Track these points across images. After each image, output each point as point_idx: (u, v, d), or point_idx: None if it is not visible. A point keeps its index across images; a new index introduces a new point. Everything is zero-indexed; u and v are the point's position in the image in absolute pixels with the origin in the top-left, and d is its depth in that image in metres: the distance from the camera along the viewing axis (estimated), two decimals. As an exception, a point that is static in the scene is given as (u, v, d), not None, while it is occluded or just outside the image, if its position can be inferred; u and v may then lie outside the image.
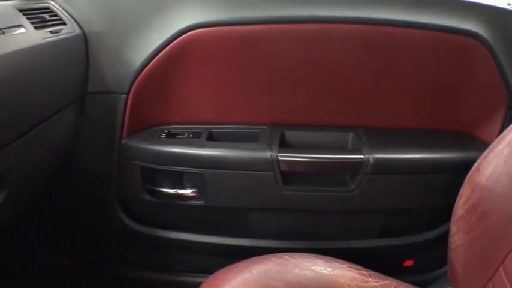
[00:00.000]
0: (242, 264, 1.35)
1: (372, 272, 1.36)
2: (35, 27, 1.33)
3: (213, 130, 1.66)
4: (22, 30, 1.29)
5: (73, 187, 1.71)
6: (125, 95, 1.56)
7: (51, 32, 1.39)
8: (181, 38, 1.52)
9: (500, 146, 1.28)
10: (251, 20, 1.53)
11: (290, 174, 1.60)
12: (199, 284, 1.25)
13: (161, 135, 1.62)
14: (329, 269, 1.35)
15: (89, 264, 1.87)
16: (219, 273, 1.31)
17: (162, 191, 1.64)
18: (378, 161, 1.59)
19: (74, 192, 1.72)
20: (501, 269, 1.23)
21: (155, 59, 1.54)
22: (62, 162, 1.61)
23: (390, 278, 1.37)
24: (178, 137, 1.64)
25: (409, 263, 1.80)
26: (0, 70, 1.15)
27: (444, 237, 1.35)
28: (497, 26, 1.64)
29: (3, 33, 1.20)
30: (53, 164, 1.57)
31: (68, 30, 1.47)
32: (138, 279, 1.86)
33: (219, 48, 1.56)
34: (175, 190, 1.63)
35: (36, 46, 1.30)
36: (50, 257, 1.86)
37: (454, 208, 1.32)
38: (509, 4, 1.88)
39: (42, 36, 1.34)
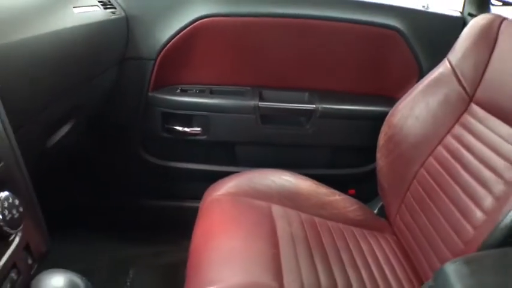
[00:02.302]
0: (232, 176, 1.78)
1: (325, 186, 1.82)
2: (104, 8, 1.76)
3: (214, 88, 2.12)
4: (97, 8, 1.71)
5: (106, 130, 2.10)
6: (152, 61, 2.00)
7: (112, 12, 1.81)
8: (196, 23, 1.98)
9: (408, 98, 1.74)
10: (244, 13, 2.02)
11: (266, 117, 2.10)
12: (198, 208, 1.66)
13: (177, 90, 2.08)
14: (293, 179, 1.80)
15: (112, 195, 2.25)
16: (216, 183, 1.77)
17: (177, 129, 2.09)
18: (325, 109, 2.11)
19: (106, 134, 2.12)
20: (415, 181, 1.66)
21: (176, 37, 1.98)
22: (103, 108, 1.99)
23: (338, 192, 1.82)
24: (189, 91, 2.10)
25: (352, 191, 2.20)
26: (88, 33, 1.57)
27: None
28: (411, 22, 2.15)
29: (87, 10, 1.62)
30: (100, 107, 1.97)
31: (118, 12, 1.88)
32: (154, 207, 2.27)
33: (221, 32, 2.03)
34: (186, 128, 2.10)
35: (106, 21, 1.73)
36: (78, 188, 2.25)
37: (378, 140, 1.78)
38: (423, 6, 2.26)
39: (108, 14, 1.76)
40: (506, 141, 1.41)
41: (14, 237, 0.95)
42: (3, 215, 0.88)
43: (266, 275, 1.33)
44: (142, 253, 2.15)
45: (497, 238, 1.24)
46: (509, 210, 1.21)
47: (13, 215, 0.91)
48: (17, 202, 0.93)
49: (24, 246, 0.98)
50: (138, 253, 2.14)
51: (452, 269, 1.03)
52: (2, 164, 0.93)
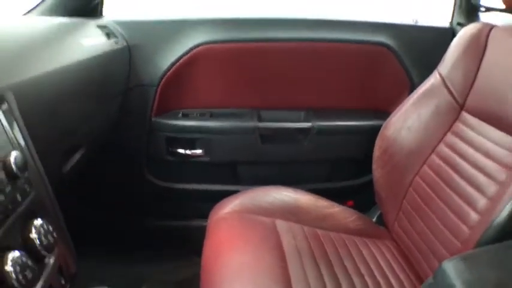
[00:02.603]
0: (236, 195, 1.86)
1: (324, 199, 1.90)
2: (107, 38, 1.84)
3: (214, 111, 2.21)
4: (102, 39, 1.80)
5: (113, 155, 2.17)
6: (154, 87, 2.09)
7: (115, 42, 1.89)
8: (194, 50, 2.06)
9: (400, 111, 1.82)
10: (239, 39, 2.12)
11: (265, 137, 2.20)
12: (205, 227, 1.69)
13: (179, 115, 2.17)
14: (293, 194, 1.88)
15: (119, 217, 2.32)
16: (221, 202, 1.84)
17: (181, 152, 2.18)
18: (321, 126, 2.23)
19: (114, 159, 2.19)
20: (411, 189, 1.74)
21: (176, 64, 2.07)
22: (110, 134, 2.04)
23: (337, 204, 1.90)
24: (190, 115, 2.19)
25: (350, 203, 2.29)
26: (97, 65, 1.67)
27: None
28: (401, 37, 2.24)
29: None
30: (107, 134, 2.04)
31: (120, 42, 1.96)
32: (161, 227, 2.34)
33: (218, 58, 2.12)
34: (189, 151, 2.19)
35: (111, 51, 1.81)
36: (87, 211, 2.31)
37: (373, 153, 1.86)
38: (413, 20, 2.36)
39: (112, 45, 1.84)
40: (498, 145, 1.48)
41: (49, 261, 1.02)
42: (40, 240, 0.95)
43: (276, 287, 1.39)
44: (152, 271, 2.19)
45: (492, 235, 1.30)
46: (502, 209, 1.28)
47: (48, 240, 0.98)
48: (50, 228, 1.00)
49: (58, 268, 1.05)
50: (148, 271, 2.18)
51: (450, 266, 1.09)
52: (34, 193, 0.99)
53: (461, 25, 2.19)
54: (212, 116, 2.18)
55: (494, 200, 1.35)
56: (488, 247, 1.27)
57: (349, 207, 1.97)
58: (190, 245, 1.76)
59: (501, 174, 1.40)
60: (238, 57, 2.15)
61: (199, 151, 2.21)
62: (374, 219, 2.09)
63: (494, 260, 1.17)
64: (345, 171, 2.39)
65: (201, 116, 2.18)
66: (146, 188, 2.25)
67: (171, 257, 2.20)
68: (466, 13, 2.29)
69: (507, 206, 1.29)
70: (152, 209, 2.31)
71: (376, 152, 1.90)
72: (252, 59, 2.16)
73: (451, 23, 2.35)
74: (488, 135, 1.53)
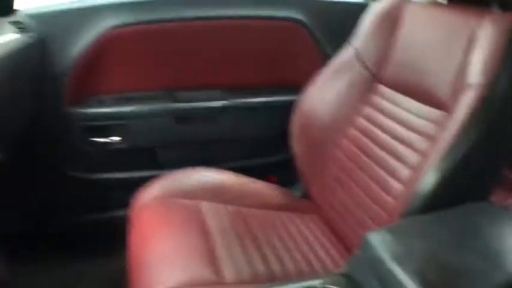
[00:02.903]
0: (157, 180, 1.85)
1: (246, 177, 1.92)
2: (20, 33, 1.78)
3: (128, 96, 2.17)
4: (12, 34, 1.75)
5: (29, 149, 2.11)
6: (67, 77, 2.03)
7: (28, 36, 1.84)
8: (104, 35, 1.99)
9: (315, 86, 1.86)
10: (149, 20, 2.08)
11: (181, 118, 2.19)
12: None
13: (93, 101, 2.11)
14: (215, 174, 1.90)
15: (46, 217, 2.26)
16: (142, 189, 1.81)
17: (99, 141, 2.12)
18: (237, 104, 2.26)
19: (29, 154, 2.12)
20: (331, 162, 1.78)
21: (87, 50, 2.00)
22: (25, 129, 2.00)
23: (260, 181, 1.92)
24: (105, 102, 2.13)
25: (274, 179, 2.28)
26: (8, 61, 1.62)
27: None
28: (314, 13, 2.28)
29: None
30: (22, 128, 1.99)
31: (31, 34, 1.89)
32: (86, 221, 2.28)
33: (130, 41, 2.07)
34: (107, 139, 2.14)
35: (22, 44, 1.76)
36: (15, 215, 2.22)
37: (291, 128, 1.88)
38: None
39: (24, 40, 1.79)
40: (416, 115, 1.52)
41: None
42: None
43: (204, 269, 1.39)
44: (84, 267, 2.16)
45: (417, 206, 1.32)
46: (425, 179, 1.31)
47: None
48: None
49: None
50: (80, 268, 2.15)
51: (377, 238, 1.10)
52: None
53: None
54: (127, 101, 2.15)
55: (417, 170, 1.38)
56: (414, 218, 1.30)
57: (273, 183, 2.01)
58: (118, 237, 1.71)
59: (422, 143, 1.44)
60: (149, 39, 2.11)
61: (117, 138, 2.16)
62: (299, 194, 2.11)
63: (421, 231, 1.19)
64: (266, 147, 2.41)
65: (116, 102, 2.14)
66: (67, 182, 2.18)
67: (102, 251, 2.13)
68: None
69: (430, 175, 1.31)
70: (77, 203, 2.25)
71: (294, 127, 1.92)
72: (163, 40, 2.14)
73: None
74: (405, 106, 1.57)
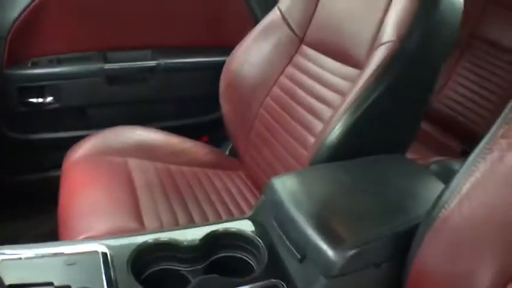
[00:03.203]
0: (87, 138, 1.90)
1: (176, 136, 1.97)
2: None
3: (61, 57, 2.20)
4: None
5: None
6: (4, 39, 2.06)
7: None
8: None
9: (242, 46, 1.91)
10: None
11: (112, 78, 2.22)
12: None
13: (28, 63, 2.14)
14: (145, 133, 1.96)
15: None
16: (73, 147, 1.87)
17: (32, 101, 2.16)
18: (167, 64, 2.27)
19: None
20: (256, 121, 1.84)
21: (24, 12, 2.01)
22: None
23: (189, 140, 1.98)
24: (39, 64, 2.16)
25: (205, 138, 2.36)
26: None
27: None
28: None
29: None
30: None
31: None
32: (21, 182, 2.31)
33: (64, 2, 2.12)
34: (40, 99, 2.17)
35: None
36: None
37: (219, 87, 1.95)
38: None
39: None
40: (334, 74, 1.59)
41: None
42: None
43: (128, 219, 1.45)
44: (21, 226, 2.18)
45: (324, 155, 1.39)
46: (332, 129, 1.38)
47: None
48: None
49: None
50: (18, 227, 2.17)
51: (279, 183, 1.17)
52: None
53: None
54: (59, 62, 2.17)
55: (327, 124, 1.45)
56: (319, 165, 1.37)
57: (205, 142, 2.10)
58: (53, 196, 1.73)
59: (336, 100, 1.51)
60: (80, 1, 2.15)
61: (49, 98, 2.18)
62: (227, 152, 2.19)
63: (323, 177, 1.26)
64: (196, 107, 2.46)
65: (49, 63, 2.15)
66: (6, 143, 2.21)
67: (37, 211, 2.15)
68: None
69: (336, 127, 1.38)
70: (14, 164, 2.28)
71: (222, 87, 1.97)
72: (94, 2, 2.17)
73: None
74: (325, 66, 1.64)
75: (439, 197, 0.95)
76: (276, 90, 1.80)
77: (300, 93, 1.69)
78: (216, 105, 2.07)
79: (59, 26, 2.16)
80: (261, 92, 1.84)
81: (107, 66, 2.19)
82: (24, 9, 2.04)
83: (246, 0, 2.32)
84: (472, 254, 0.92)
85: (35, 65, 2.14)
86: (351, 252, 0.99)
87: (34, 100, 2.16)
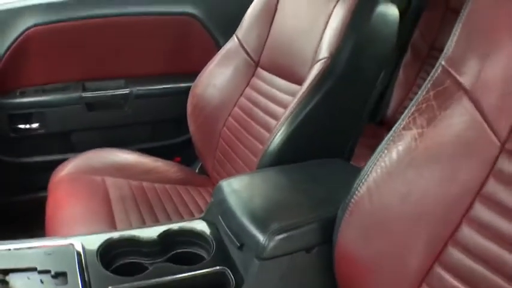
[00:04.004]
0: (70, 159, 2.07)
1: (149, 156, 2.16)
2: None
3: (46, 87, 2.38)
4: None
5: None
6: None
7: None
8: (25, 33, 2.22)
9: (206, 72, 2.09)
10: (64, 19, 2.29)
11: (91, 105, 2.39)
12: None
13: (16, 93, 2.33)
14: (121, 154, 2.15)
15: None
16: (58, 167, 2.04)
17: (21, 127, 2.34)
18: (139, 91, 2.46)
19: None
20: (220, 139, 2.02)
21: (12, 47, 2.22)
22: None
23: (161, 159, 2.16)
24: (26, 93, 2.35)
25: (178, 159, 2.53)
26: None
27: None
28: (206, 7, 2.50)
29: None
30: None
31: None
32: (11, 203, 2.46)
33: (48, 38, 2.28)
34: (28, 125, 2.36)
35: None
36: None
37: (187, 109, 2.14)
38: None
39: None
40: (281, 91, 1.79)
41: None
42: None
43: (103, 226, 1.63)
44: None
45: (267, 161, 1.59)
46: (274, 137, 1.58)
47: None
48: None
49: None
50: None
51: (225, 184, 1.36)
52: None
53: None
54: (44, 92, 2.34)
55: (271, 133, 1.64)
56: (262, 169, 1.57)
57: (178, 162, 2.28)
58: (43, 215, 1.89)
59: (281, 113, 1.70)
60: (62, 36, 2.32)
61: (36, 124, 2.36)
62: (197, 170, 2.36)
63: (263, 179, 1.45)
64: (168, 130, 2.63)
65: (35, 93, 2.33)
66: None
67: (27, 230, 2.15)
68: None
69: (277, 135, 1.58)
70: (2, 185, 2.42)
71: (189, 109, 2.16)
72: (74, 36, 2.35)
73: None
74: (275, 85, 1.84)
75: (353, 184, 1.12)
76: (236, 110, 1.98)
77: (256, 111, 1.88)
78: (186, 127, 2.23)
79: (42, 59, 2.35)
80: (223, 112, 2.02)
81: (85, 94, 2.37)
82: (10, 45, 2.23)
83: (208, 29, 2.50)
84: (382, 237, 1.08)
85: (22, 94, 2.31)
86: (280, 236, 1.16)
87: (23, 126, 2.36)
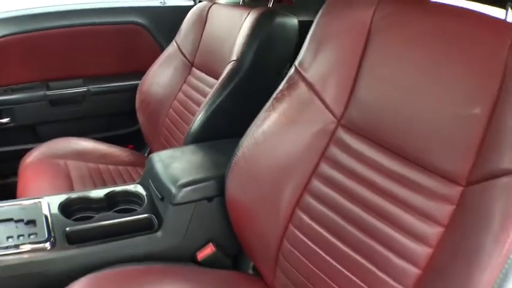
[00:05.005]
0: (36, 147, 2.38)
1: (105, 143, 2.50)
2: None
3: (14, 87, 2.64)
4: None
5: None
6: None
7: None
8: None
9: (150, 72, 2.48)
10: (29, 30, 2.61)
11: (54, 101, 2.72)
12: None
13: None
14: (81, 142, 2.50)
15: None
16: (26, 154, 2.34)
17: None
18: (94, 89, 2.80)
19: None
20: (163, 128, 2.35)
21: None
22: None
23: (115, 146, 2.51)
24: None
25: (131, 146, 2.82)
26: None
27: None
28: (151, 16, 2.87)
29: None
30: None
31: None
32: None
33: (16, 45, 2.59)
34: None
35: None
36: None
37: (136, 103, 2.51)
38: (161, 2, 2.96)
39: None
40: (206, 85, 2.19)
41: None
42: None
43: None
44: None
45: (189, 138, 1.96)
46: (195, 120, 1.98)
47: None
48: None
49: None
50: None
51: (155, 156, 1.77)
52: None
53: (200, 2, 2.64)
54: (13, 91, 2.62)
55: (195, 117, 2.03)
56: (186, 146, 1.95)
57: (131, 149, 2.61)
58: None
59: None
60: (28, 43, 2.61)
61: (6, 119, 2.62)
62: (146, 154, 2.75)
63: (184, 152, 1.84)
64: (121, 121, 2.94)
65: (4, 92, 2.60)
66: None
67: None
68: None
69: (197, 118, 1.97)
70: None
71: (137, 103, 2.54)
72: (39, 43, 2.63)
73: (195, 1, 2.94)
74: (204, 81, 2.24)
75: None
76: (175, 103, 2.34)
77: (190, 103, 2.23)
78: (136, 119, 2.61)
79: (11, 63, 2.63)
80: (165, 106, 2.38)
81: (49, 92, 2.68)
82: None
83: (154, 36, 2.88)
84: (255, 187, 1.46)
85: None
86: (186, 188, 1.58)
87: None
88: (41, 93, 2.68)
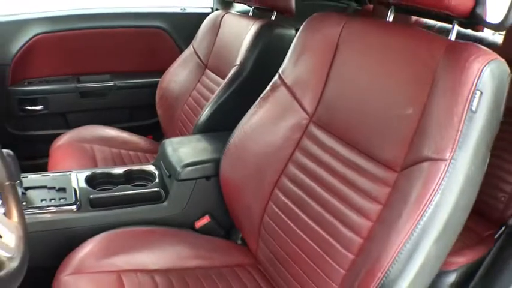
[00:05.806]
0: (67, 132, 2.62)
1: (127, 132, 2.73)
2: None
3: (48, 79, 2.91)
4: None
5: None
6: (8, 66, 2.75)
7: None
8: (34, 38, 2.78)
9: (169, 71, 2.74)
10: (65, 29, 2.87)
11: (84, 93, 2.99)
12: None
13: (25, 83, 2.84)
14: (106, 129, 2.73)
15: None
16: (58, 138, 2.60)
17: (28, 108, 2.88)
18: (120, 83, 3.08)
19: None
20: (179, 121, 2.60)
21: (23, 48, 2.77)
22: None
23: (136, 135, 2.74)
24: (33, 83, 2.87)
25: (150, 137, 2.97)
26: None
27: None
28: (172, 21, 3.12)
29: None
30: None
31: None
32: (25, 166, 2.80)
33: (52, 42, 2.83)
34: (34, 107, 2.91)
35: None
36: None
37: (156, 98, 2.78)
38: (182, 8, 3.18)
39: None
40: (216, 84, 2.43)
41: None
42: None
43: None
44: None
45: (197, 129, 2.21)
46: (203, 113, 2.24)
47: None
48: None
49: None
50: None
51: (168, 142, 2.04)
52: None
53: (216, 10, 2.87)
54: (47, 82, 2.86)
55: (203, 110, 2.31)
56: (194, 135, 2.21)
57: (151, 139, 2.77)
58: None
59: (213, 98, 2.34)
60: (62, 41, 2.84)
61: (40, 107, 2.86)
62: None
63: (193, 140, 2.10)
64: (142, 113, 3.17)
65: (40, 83, 2.85)
66: (7, 137, 2.79)
67: None
68: (222, 2, 3.11)
69: (205, 112, 2.22)
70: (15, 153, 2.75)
71: (157, 98, 2.80)
72: (71, 42, 2.88)
73: (212, 8, 3.16)
74: (214, 81, 2.46)
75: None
76: (190, 100, 2.57)
77: (202, 100, 2.44)
78: (156, 112, 2.85)
79: (46, 58, 2.88)
80: (181, 101, 2.61)
81: (79, 85, 2.92)
82: (22, 46, 2.76)
83: (173, 38, 3.14)
84: (244, 167, 1.72)
85: (29, 84, 2.84)
86: (188, 168, 1.85)
87: (29, 107, 2.86)
88: (72, 85, 2.92)
